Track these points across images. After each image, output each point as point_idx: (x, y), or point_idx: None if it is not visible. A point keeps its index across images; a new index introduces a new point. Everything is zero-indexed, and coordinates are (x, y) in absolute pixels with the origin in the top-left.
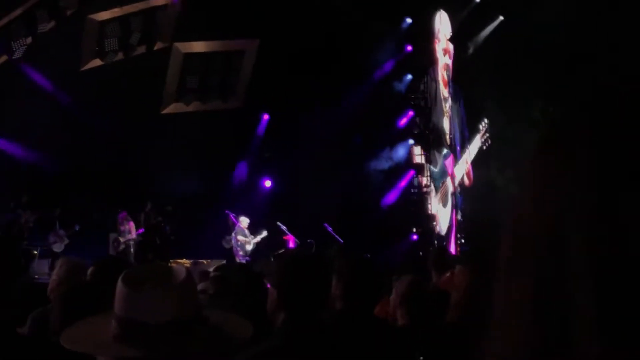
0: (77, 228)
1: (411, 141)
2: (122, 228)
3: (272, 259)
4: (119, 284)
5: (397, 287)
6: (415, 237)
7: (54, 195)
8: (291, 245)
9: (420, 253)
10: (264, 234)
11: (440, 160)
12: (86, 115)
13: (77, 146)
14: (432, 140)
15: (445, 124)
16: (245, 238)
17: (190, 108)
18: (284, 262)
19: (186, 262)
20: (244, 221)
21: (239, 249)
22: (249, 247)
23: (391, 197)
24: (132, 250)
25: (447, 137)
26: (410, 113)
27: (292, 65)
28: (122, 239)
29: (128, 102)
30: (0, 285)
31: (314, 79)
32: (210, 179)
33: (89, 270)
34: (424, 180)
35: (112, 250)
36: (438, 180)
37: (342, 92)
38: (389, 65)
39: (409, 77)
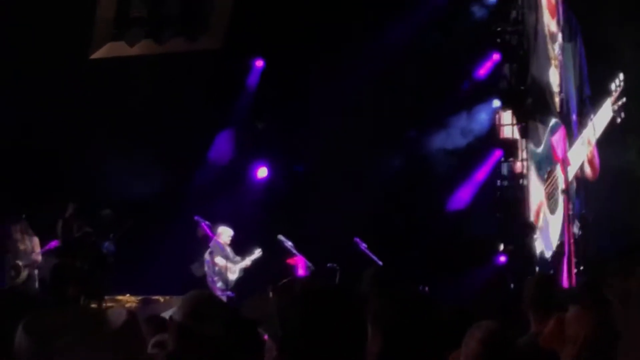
0: None
1: (496, 102)
2: (20, 246)
3: (270, 295)
4: (20, 335)
5: (471, 340)
6: (502, 259)
7: None
8: (301, 272)
9: (511, 285)
10: (257, 253)
11: (545, 136)
12: None
13: None
14: (531, 104)
15: (553, 78)
16: (225, 261)
17: (137, 50)
18: (290, 300)
19: (131, 299)
20: (225, 233)
21: (215, 278)
22: (233, 276)
23: (464, 195)
24: (36, 278)
25: (556, 99)
26: (496, 57)
27: None
28: (21, 263)
29: (33, 43)
30: None
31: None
32: (170, 167)
33: None
34: (519, 167)
35: (8, 280)
36: (542, 168)
37: (380, 22)
38: None
39: None
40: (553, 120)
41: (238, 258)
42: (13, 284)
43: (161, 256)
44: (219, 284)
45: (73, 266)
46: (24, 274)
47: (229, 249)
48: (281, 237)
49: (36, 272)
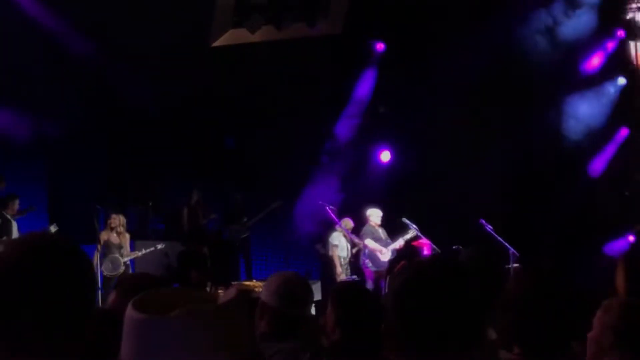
0: None
1: (621, 80)
2: (116, 239)
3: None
4: (128, 311)
5: (603, 316)
6: (631, 238)
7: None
8: (426, 253)
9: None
10: (411, 233)
11: None
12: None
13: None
14: None
15: None
16: (375, 243)
17: (257, 37)
18: (408, 279)
19: (258, 284)
20: (374, 214)
21: (367, 260)
22: (384, 258)
23: (594, 170)
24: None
25: None
26: (620, 34)
27: None
28: (121, 257)
29: (157, 32)
30: None
31: None
32: (295, 152)
33: None
34: None
35: (107, 272)
36: None
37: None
38: None
39: None
40: None
41: (389, 240)
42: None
43: (288, 241)
44: (370, 266)
45: (198, 252)
46: (122, 268)
47: (380, 230)
48: (406, 220)
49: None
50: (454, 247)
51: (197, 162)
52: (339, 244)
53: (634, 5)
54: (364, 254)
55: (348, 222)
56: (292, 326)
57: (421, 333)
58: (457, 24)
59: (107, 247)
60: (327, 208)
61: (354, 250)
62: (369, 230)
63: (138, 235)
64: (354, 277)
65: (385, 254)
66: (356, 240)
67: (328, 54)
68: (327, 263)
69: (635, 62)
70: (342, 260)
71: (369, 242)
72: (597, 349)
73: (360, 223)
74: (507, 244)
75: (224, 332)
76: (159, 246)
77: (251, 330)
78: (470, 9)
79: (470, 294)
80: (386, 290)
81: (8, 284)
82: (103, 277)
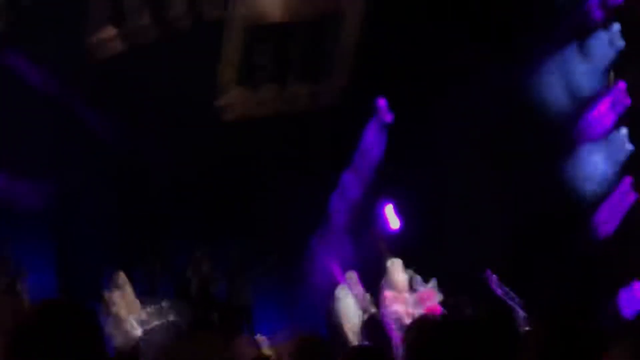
0: None
1: (624, 131)
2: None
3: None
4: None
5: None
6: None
7: None
8: (431, 305)
9: None
10: (432, 283)
11: None
12: (107, 126)
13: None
14: None
15: None
16: (395, 293)
17: (261, 95)
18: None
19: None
20: (395, 264)
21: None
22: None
23: (607, 222)
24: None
25: None
26: (622, 86)
27: (427, 15)
28: (134, 320)
29: (165, 93)
30: None
31: (459, 38)
32: (297, 207)
33: None
34: None
35: (119, 338)
36: None
37: (511, 60)
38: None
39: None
40: None
41: (410, 291)
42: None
43: (296, 297)
44: (396, 329)
45: (209, 322)
46: (137, 331)
47: (400, 282)
48: (411, 272)
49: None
50: (459, 297)
51: (203, 221)
52: (347, 305)
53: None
54: (389, 317)
55: (353, 276)
56: None
57: None
58: (461, 75)
59: (116, 314)
60: (333, 265)
61: (365, 317)
62: (390, 281)
63: (143, 295)
64: (365, 343)
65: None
66: (366, 303)
67: (332, 111)
68: (335, 325)
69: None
70: (352, 326)
71: (389, 294)
72: None
73: (374, 276)
74: (513, 302)
75: None
76: (164, 304)
77: None
78: (474, 60)
79: (480, 351)
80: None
81: (23, 346)
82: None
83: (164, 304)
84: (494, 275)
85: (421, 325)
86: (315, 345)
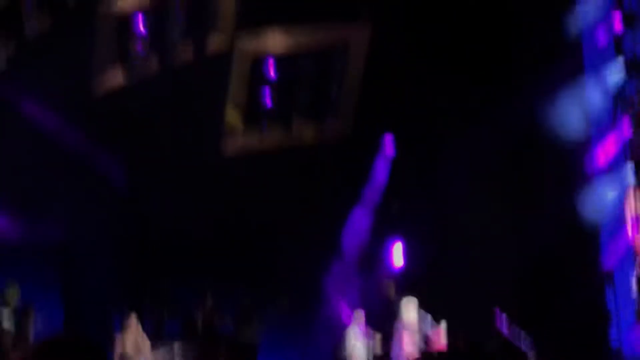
0: None
1: (630, 174)
2: (128, 343)
3: None
4: None
5: None
6: None
7: None
8: (441, 345)
9: None
10: (443, 324)
11: None
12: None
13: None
14: None
15: None
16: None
17: (268, 141)
18: None
19: None
20: (410, 303)
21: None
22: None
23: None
24: None
25: None
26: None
27: (427, 60)
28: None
29: (169, 139)
30: None
31: (464, 78)
32: (306, 249)
33: None
34: None
35: None
36: None
37: (509, 92)
38: None
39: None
40: None
41: (424, 331)
42: None
43: (303, 339)
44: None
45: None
46: None
47: (416, 321)
48: (422, 312)
49: None
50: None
51: (209, 265)
52: (355, 346)
53: None
54: (400, 347)
55: (360, 315)
56: None
57: None
58: (468, 112)
59: (124, 351)
60: (341, 304)
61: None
62: (405, 321)
63: (153, 338)
64: None
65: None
66: (374, 345)
67: (339, 149)
68: None
69: None
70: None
71: (405, 335)
72: None
73: (382, 314)
74: (522, 341)
75: None
76: (175, 346)
77: None
78: (481, 97)
79: None
80: None
81: None
82: None
83: (175, 345)
84: (503, 314)
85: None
86: None
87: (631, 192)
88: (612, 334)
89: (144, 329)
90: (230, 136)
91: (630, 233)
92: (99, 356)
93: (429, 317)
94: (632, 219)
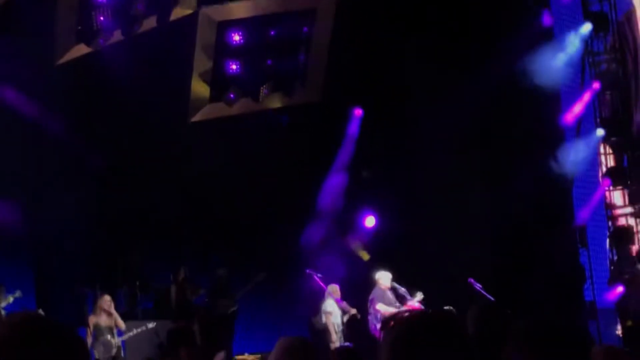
0: None
1: (600, 132)
2: (100, 321)
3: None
4: None
5: None
6: (620, 289)
7: None
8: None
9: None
10: (419, 296)
11: None
12: (75, 139)
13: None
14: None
15: None
16: (386, 307)
17: (236, 110)
18: (394, 331)
19: (249, 358)
20: (384, 277)
21: (378, 325)
22: None
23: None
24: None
25: None
26: (596, 86)
27: (395, 27)
28: (113, 339)
29: (134, 113)
30: None
31: (432, 46)
32: (280, 220)
33: None
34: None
35: (99, 355)
36: None
37: (476, 61)
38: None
39: (588, 27)
40: None
41: (398, 303)
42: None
43: (279, 311)
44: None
45: (187, 330)
46: (114, 350)
47: (390, 294)
48: (395, 284)
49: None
50: (444, 308)
51: (181, 238)
52: (333, 311)
53: (608, 57)
54: (375, 318)
55: (335, 288)
56: None
57: None
58: (435, 81)
59: (98, 330)
60: (315, 276)
61: (346, 318)
62: (379, 294)
63: (127, 315)
64: (347, 344)
65: None
66: (346, 307)
67: (307, 122)
68: (320, 332)
69: (612, 112)
70: (335, 327)
71: (381, 307)
72: None
73: (358, 288)
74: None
75: None
76: (150, 325)
77: None
78: (448, 65)
79: (466, 346)
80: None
81: None
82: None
83: (150, 324)
84: (478, 284)
85: (402, 318)
86: (298, 345)
87: (602, 148)
88: (585, 289)
89: (117, 306)
90: (197, 105)
91: (602, 188)
92: (68, 334)
93: (403, 289)
94: (603, 174)
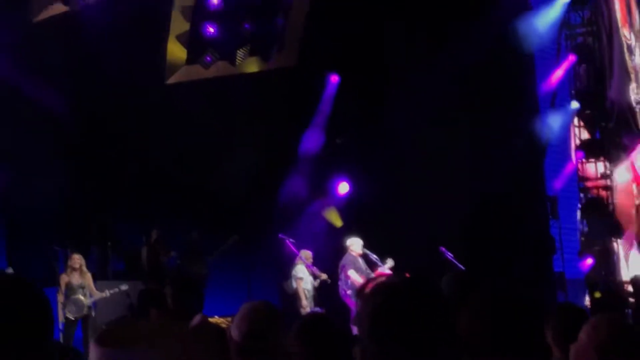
0: None
1: (574, 104)
2: (78, 279)
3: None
4: (92, 349)
5: (591, 333)
6: (589, 261)
7: None
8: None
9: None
10: (390, 262)
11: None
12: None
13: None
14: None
15: (633, 95)
16: (357, 274)
17: (212, 72)
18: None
19: (220, 321)
20: (355, 244)
21: (349, 291)
22: None
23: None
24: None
25: (638, 116)
26: (571, 58)
27: None
28: (84, 298)
29: (110, 73)
30: None
31: (411, 15)
32: (253, 185)
33: None
34: (601, 167)
35: (71, 313)
36: None
37: (454, 30)
38: None
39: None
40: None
41: (369, 270)
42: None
43: (250, 275)
44: (353, 296)
45: (157, 291)
46: (86, 309)
47: (361, 261)
48: (366, 251)
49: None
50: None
51: (154, 200)
52: (304, 277)
53: (584, 30)
54: (346, 284)
55: (307, 254)
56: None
57: (405, 356)
58: (414, 51)
59: (69, 289)
60: (287, 241)
61: (316, 283)
62: (350, 260)
63: (98, 276)
64: (317, 309)
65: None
66: (317, 272)
67: (283, 86)
68: (291, 297)
69: (587, 85)
70: (306, 293)
71: (352, 274)
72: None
73: (330, 254)
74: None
75: None
76: (123, 287)
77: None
78: (426, 34)
79: (450, 313)
80: (357, 312)
81: None
82: (65, 320)
83: (122, 286)
84: (449, 253)
85: (379, 286)
86: (262, 308)
87: (575, 119)
88: (555, 259)
89: (88, 266)
90: (174, 67)
91: (574, 159)
92: (35, 295)
93: (374, 256)
94: (576, 146)
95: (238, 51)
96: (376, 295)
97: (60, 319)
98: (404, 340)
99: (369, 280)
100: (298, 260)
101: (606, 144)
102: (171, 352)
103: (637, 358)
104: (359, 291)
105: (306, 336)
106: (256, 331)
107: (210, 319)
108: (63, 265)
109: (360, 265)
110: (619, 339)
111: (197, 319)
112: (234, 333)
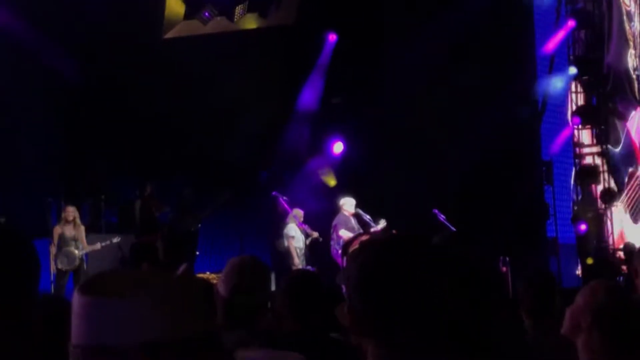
0: None
1: (572, 70)
2: (71, 232)
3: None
4: (75, 297)
5: (587, 297)
6: (583, 227)
7: None
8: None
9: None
10: (382, 223)
11: (623, 134)
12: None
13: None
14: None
15: (631, 61)
16: (349, 233)
17: (209, 28)
18: (377, 256)
19: (212, 277)
20: (347, 203)
21: (341, 250)
22: None
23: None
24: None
25: (635, 83)
26: (571, 23)
27: None
28: (76, 250)
29: (107, 25)
30: None
31: None
32: (247, 144)
33: None
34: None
35: (62, 265)
36: (619, 170)
37: None
38: None
39: None
40: (632, 113)
41: (361, 230)
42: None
43: (242, 232)
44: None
45: (150, 244)
46: (77, 261)
47: (353, 221)
48: (359, 211)
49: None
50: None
51: (148, 155)
52: (295, 235)
53: None
54: (338, 243)
55: (299, 212)
56: (242, 315)
57: (396, 313)
58: (412, 12)
59: (62, 240)
60: (281, 199)
61: (308, 241)
62: (342, 220)
63: (91, 228)
64: (309, 267)
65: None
66: (308, 230)
67: (281, 44)
68: (283, 255)
69: (586, 51)
70: (298, 251)
71: (344, 233)
72: (574, 326)
73: (323, 213)
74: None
75: (175, 311)
76: (115, 240)
77: (207, 311)
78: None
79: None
80: (344, 268)
81: None
82: (57, 271)
83: (114, 239)
84: (442, 215)
85: (367, 242)
86: (249, 263)
87: (573, 84)
88: (548, 224)
89: (82, 218)
90: (172, 22)
91: (571, 126)
92: (22, 243)
93: (367, 216)
94: (572, 112)
95: (236, 7)
96: (363, 253)
97: (52, 270)
98: (393, 298)
99: (355, 237)
100: (290, 219)
101: (602, 111)
102: (156, 300)
103: (630, 322)
104: (344, 247)
105: (293, 292)
106: (243, 286)
107: (202, 275)
108: (56, 217)
109: (352, 225)
110: (614, 303)
111: (181, 268)
112: (221, 288)
